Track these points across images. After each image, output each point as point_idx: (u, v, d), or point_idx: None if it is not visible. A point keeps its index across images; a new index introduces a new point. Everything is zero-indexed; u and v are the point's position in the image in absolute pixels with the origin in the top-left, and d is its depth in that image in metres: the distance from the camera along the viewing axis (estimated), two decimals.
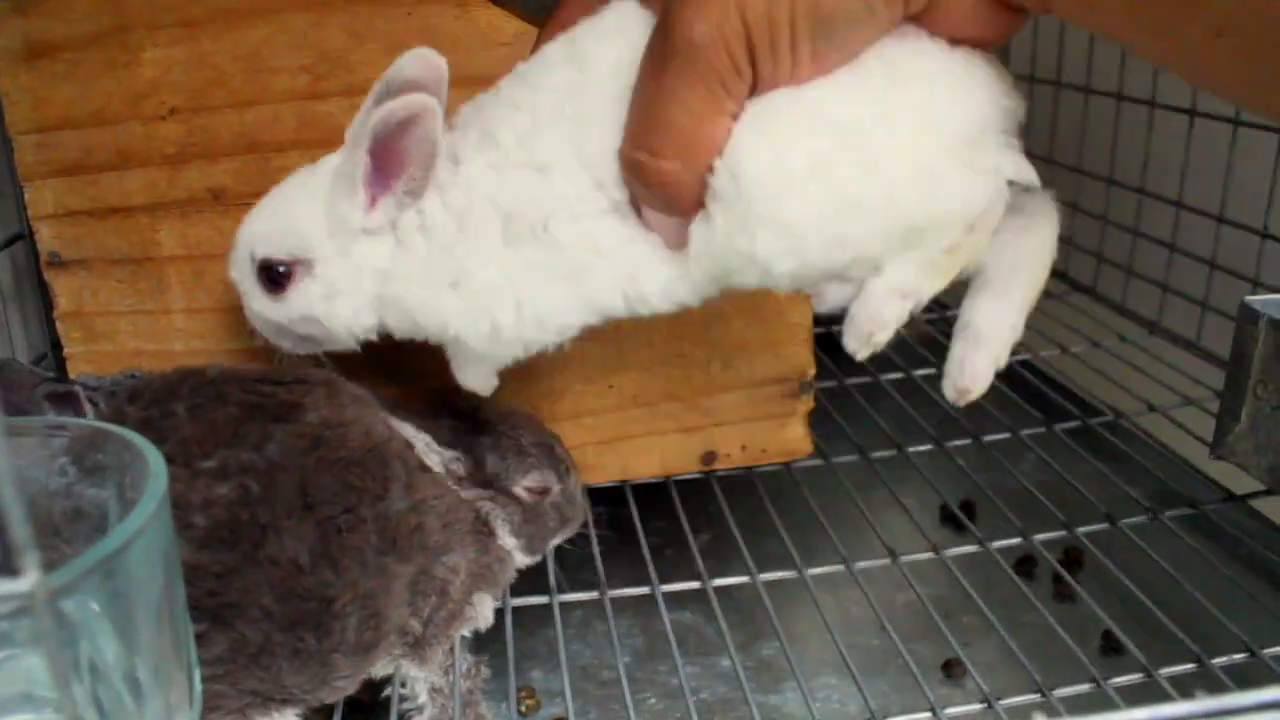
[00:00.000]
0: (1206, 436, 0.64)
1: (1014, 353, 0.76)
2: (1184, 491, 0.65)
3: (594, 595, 0.56)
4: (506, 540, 0.53)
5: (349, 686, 0.47)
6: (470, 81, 0.56)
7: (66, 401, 0.52)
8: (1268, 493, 0.60)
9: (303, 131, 0.57)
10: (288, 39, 0.56)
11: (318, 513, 0.45)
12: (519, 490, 0.53)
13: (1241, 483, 0.63)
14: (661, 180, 0.42)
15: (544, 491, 0.54)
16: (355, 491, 0.46)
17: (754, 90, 0.41)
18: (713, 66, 0.39)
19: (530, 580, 0.57)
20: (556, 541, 0.56)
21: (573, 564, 0.59)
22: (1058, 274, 0.98)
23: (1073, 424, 0.72)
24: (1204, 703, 0.31)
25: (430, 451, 0.51)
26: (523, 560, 0.55)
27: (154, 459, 0.38)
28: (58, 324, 0.60)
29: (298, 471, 0.45)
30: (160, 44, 0.55)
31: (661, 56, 0.40)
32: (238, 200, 0.57)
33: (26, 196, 0.57)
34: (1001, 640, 0.53)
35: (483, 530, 0.52)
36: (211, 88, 0.56)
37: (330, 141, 0.56)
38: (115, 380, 0.56)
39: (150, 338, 0.60)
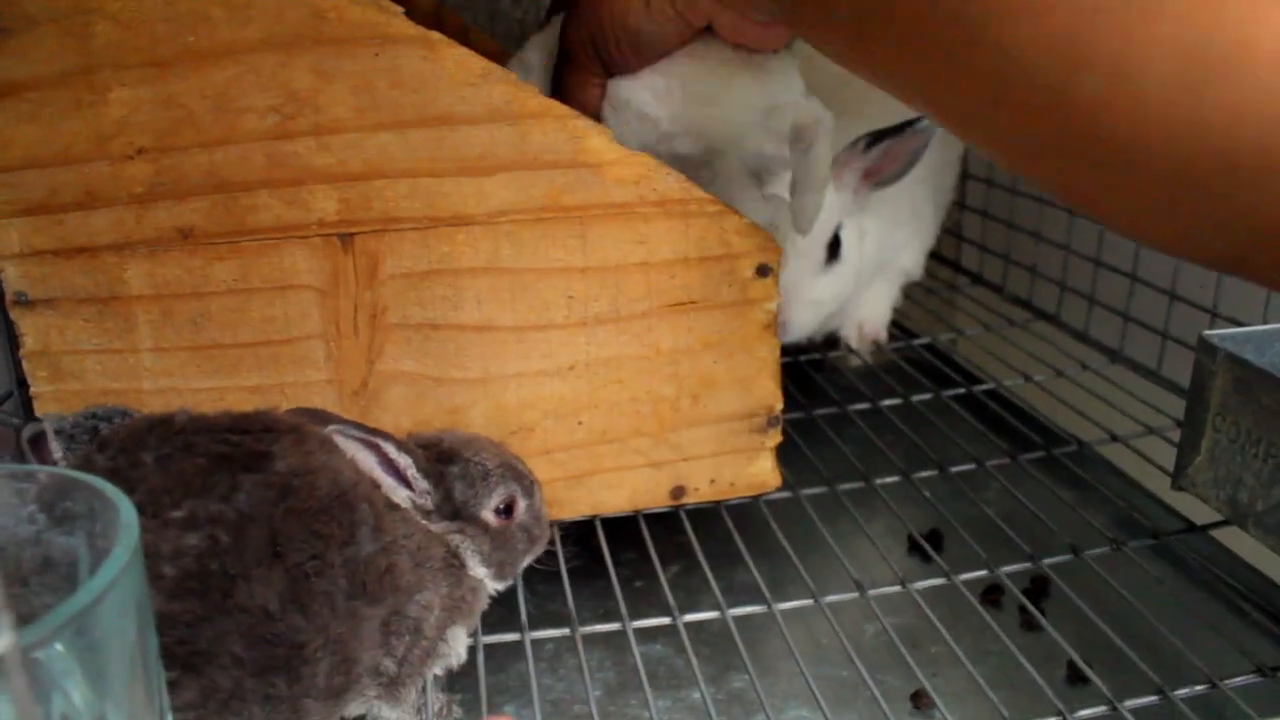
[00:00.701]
0: (1168, 465, 0.64)
1: (980, 380, 0.78)
2: (1146, 522, 0.66)
3: (565, 632, 0.56)
4: (477, 570, 0.53)
5: None
6: (438, 121, 0.57)
7: (41, 444, 0.52)
8: (1227, 523, 0.61)
9: (272, 171, 0.57)
10: (256, 79, 0.56)
11: (286, 560, 0.45)
12: (487, 515, 0.53)
13: (1202, 512, 0.64)
14: None
15: (510, 508, 0.54)
16: (322, 539, 0.46)
17: (609, 74, 0.64)
18: (584, 64, 0.63)
19: (501, 617, 0.57)
20: (526, 563, 0.56)
21: (542, 595, 0.59)
22: (1022, 302, 0.99)
23: (1037, 454, 0.73)
24: None
25: (400, 487, 0.51)
26: (494, 587, 0.55)
27: (125, 508, 0.37)
28: (24, 363, 0.59)
29: (266, 521, 0.45)
30: (128, 84, 0.55)
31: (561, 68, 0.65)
32: (206, 239, 0.57)
33: None
34: (968, 671, 0.53)
35: (454, 563, 0.52)
36: (180, 127, 0.56)
37: (299, 180, 0.57)
38: (75, 419, 0.55)
39: (118, 376, 0.59)
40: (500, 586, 0.55)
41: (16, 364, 0.61)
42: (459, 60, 0.57)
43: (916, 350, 0.95)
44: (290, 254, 0.58)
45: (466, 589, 0.53)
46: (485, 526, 0.53)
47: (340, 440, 0.51)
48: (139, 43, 0.55)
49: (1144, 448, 0.72)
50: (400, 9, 0.55)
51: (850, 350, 0.94)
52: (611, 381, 0.62)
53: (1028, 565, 0.61)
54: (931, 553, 0.65)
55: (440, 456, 0.53)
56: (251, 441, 0.48)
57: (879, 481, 0.70)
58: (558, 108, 0.58)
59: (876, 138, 0.79)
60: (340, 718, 0.49)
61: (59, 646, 0.37)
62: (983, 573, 0.60)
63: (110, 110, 0.56)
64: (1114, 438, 0.73)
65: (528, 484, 0.55)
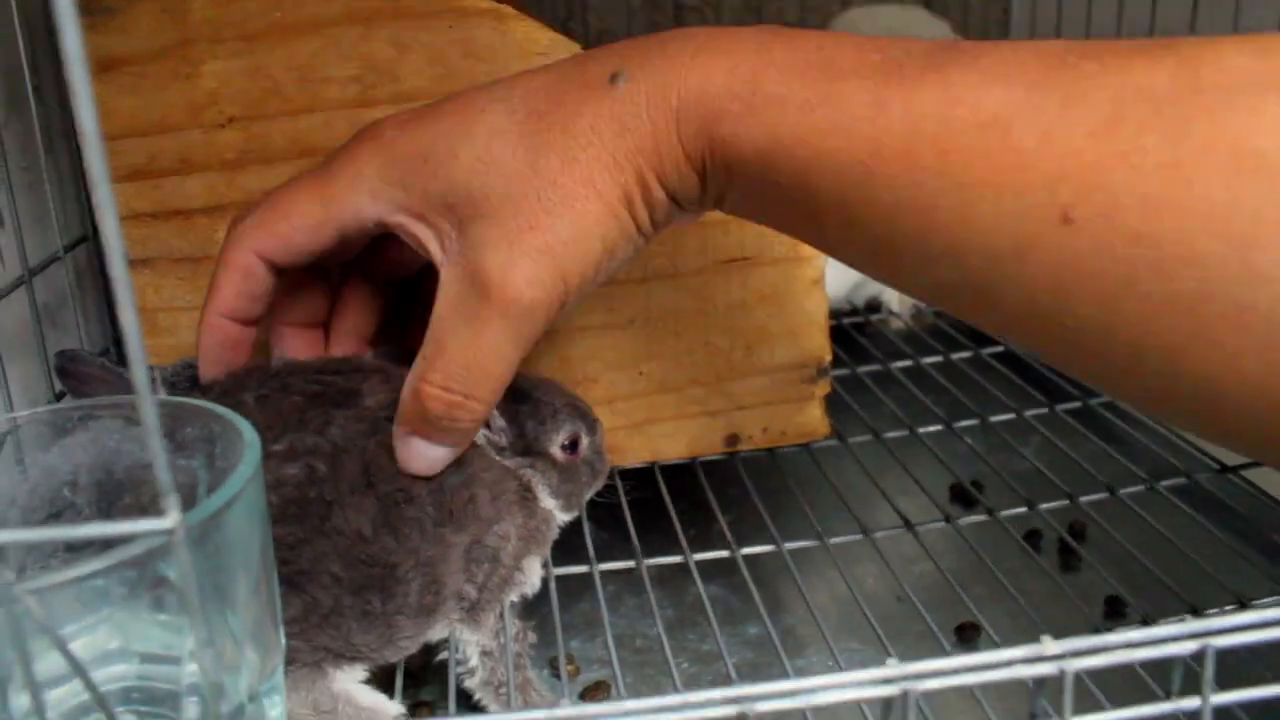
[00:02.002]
0: None
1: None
2: (1180, 464, 0.69)
3: (630, 564, 0.60)
4: (547, 502, 0.57)
5: (411, 646, 0.51)
6: None
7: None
8: (1256, 464, 0.64)
9: None
10: (338, 51, 0.60)
11: (378, 489, 0.49)
12: (554, 450, 0.57)
13: (1231, 456, 0.67)
14: (472, 417, 0.48)
15: (575, 444, 0.57)
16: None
17: None
18: (537, 326, 0.46)
19: (570, 553, 0.61)
20: (589, 495, 0.60)
21: (607, 538, 0.63)
22: None
23: (1074, 404, 0.76)
24: (1194, 624, 0.35)
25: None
26: (563, 519, 0.58)
27: (247, 430, 0.41)
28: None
29: (359, 453, 0.49)
30: (220, 57, 0.60)
31: (480, 313, 0.45)
32: None
33: (93, 199, 0.61)
34: (1012, 605, 0.56)
35: (527, 496, 0.56)
36: (267, 97, 0.60)
37: None
38: (175, 369, 0.60)
39: None
40: (568, 518, 0.58)
41: (113, 321, 0.66)
42: (526, 32, 0.60)
43: None
44: None
45: (539, 520, 0.57)
46: (553, 461, 0.57)
47: None
48: (231, 18, 0.59)
49: None
50: None
51: (892, 313, 0.98)
52: (670, 334, 0.66)
53: (1066, 504, 0.64)
54: (975, 494, 0.68)
55: (512, 397, 0.57)
56: (341, 381, 0.52)
57: (922, 430, 0.73)
58: None
59: None
60: (427, 641, 0.53)
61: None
62: (1023, 509, 0.64)
63: (204, 82, 0.60)
64: None
65: (590, 421, 0.59)
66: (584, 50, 0.48)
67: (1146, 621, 0.54)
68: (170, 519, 0.29)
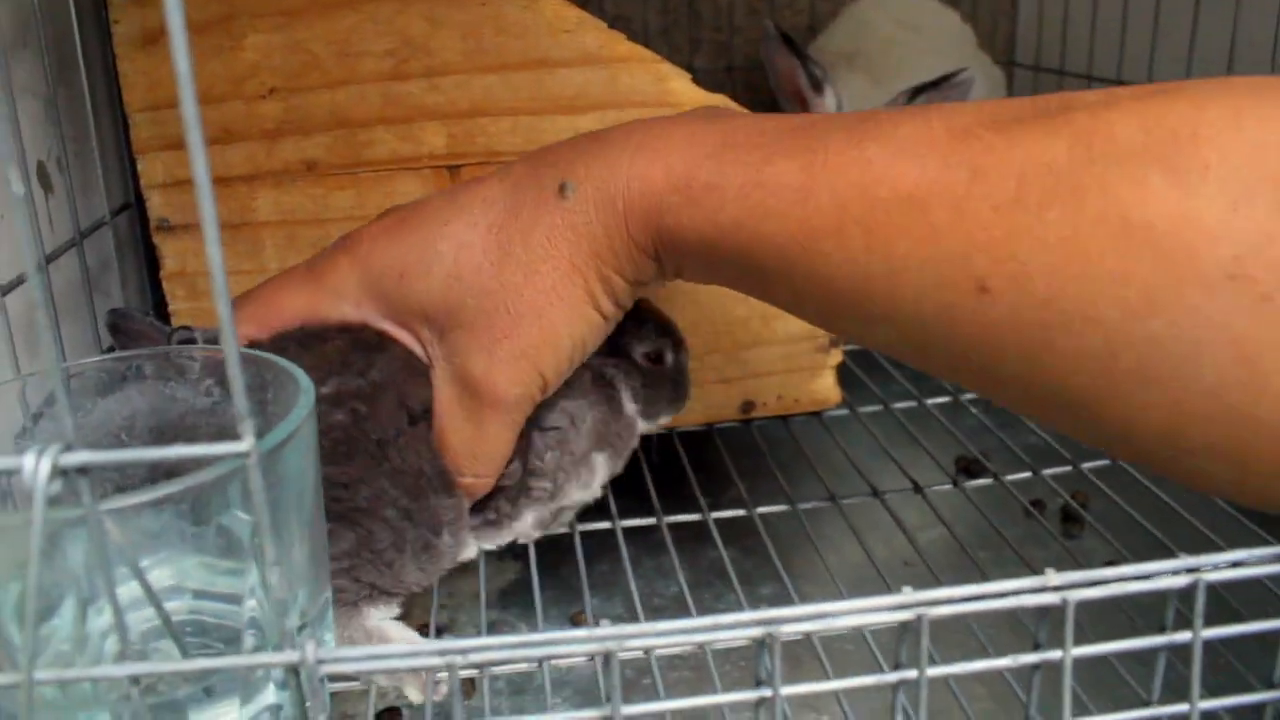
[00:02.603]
0: None
1: None
2: None
3: (651, 521, 0.63)
4: (629, 406, 0.59)
5: (448, 565, 0.54)
6: (537, 64, 0.64)
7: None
8: None
9: (387, 109, 0.63)
10: (374, 26, 0.62)
11: (412, 410, 0.52)
12: (638, 357, 0.59)
13: None
14: (486, 488, 0.54)
15: (660, 357, 0.59)
16: None
17: None
18: (526, 411, 0.52)
19: (593, 512, 0.63)
20: (668, 416, 0.62)
21: (628, 505, 0.65)
22: None
23: None
24: (1187, 560, 0.37)
25: None
26: (643, 426, 0.60)
27: (301, 375, 0.44)
28: (164, 283, 0.66)
29: (395, 387, 0.52)
30: (261, 31, 0.62)
31: (476, 411, 0.51)
32: (327, 171, 0.64)
33: (139, 168, 0.64)
34: (1016, 569, 0.59)
35: (609, 393, 0.58)
36: (306, 70, 0.63)
37: (412, 117, 0.64)
38: (216, 332, 0.62)
39: None
40: (647, 427, 0.60)
41: (154, 286, 0.68)
42: (556, 10, 0.63)
43: None
44: (403, 184, 0.65)
45: (622, 425, 0.58)
46: (638, 365, 0.59)
47: None
48: None
49: None
50: None
51: None
52: (690, 303, 0.68)
53: (1069, 470, 0.67)
54: (984, 461, 0.71)
55: None
56: (373, 333, 0.55)
57: (930, 402, 0.76)
58: (644, 53, 0.64)
59: (917, 91, 0.84)
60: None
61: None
62: (1028, 474, 0.66)
63: (245, 55, 0.62)
64: None
65: (677, 339, 0.61)
66: (531, 153, 0.52)
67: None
68: (246, 443, 0.31)
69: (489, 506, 0.55)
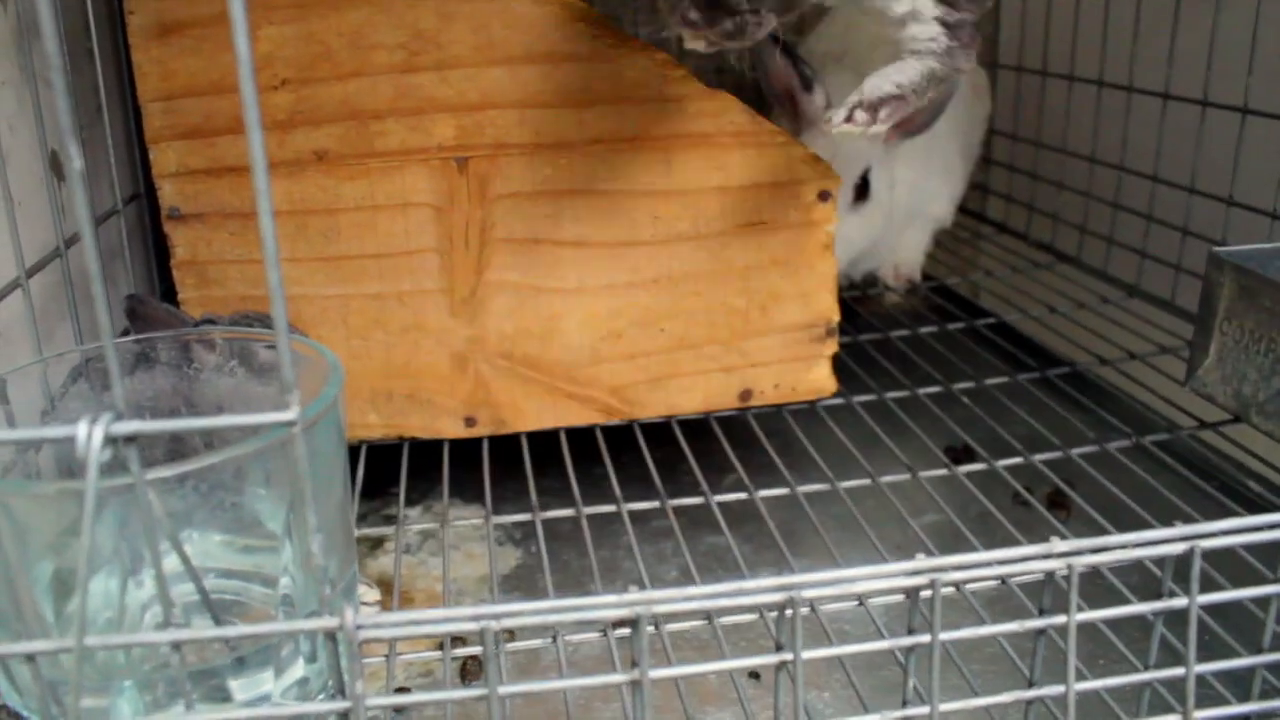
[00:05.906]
0: (1180, 378, 0.72)
1: (1009, 313, 0.84)
2: (1163, 421, 0.74)
3: (655, 504, 0.64)
4: None
5: None
6: (544, 58, 0.65)
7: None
8: (1235, 420, 0.69)
9: (398, 101, 0.65)
10: (386, 19, 0.64)
11: None
12: None
13: (1212, 414, 0.72)
14: None
15: None
16: None
17: None
18: None
19: (598, 497, 0.65)
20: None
21: (631, 491, 0.67)
22: (1045, 246, 1.07)
23: (1065, 369, 0.81)
24: (1184, 528, 0.39)
25: None
26: None
27: (330, 355, 0.45)
28: (174, 272, 0.67)
29: None
30: (275, 22, 0.63)
31: None
32: (338, 161, 0.65)
33: (152, 157, 0.65)
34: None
35: None
36: (318, 62, 0.64)
37: (422, 109, 0.65)
38: (233, 319, 0.63)
39: (256, 284, 0.67)
40: None
41: (164, 275, 0.69)
42: (564, 5, 0.64)
43: (949, 289, 1.03)
44: (412, 175, 0.66)
45: None
46: None
47: None
48: None
49: (1159, 364, 0.80)
50: None
51: (888, 288, 1.02)
52: (690, 294, 0.70)
53: (1058, 455, 0.69)
54: (975, 446, 0.73)
55: None
56: None
57: (922, 392, 0.78)
58: (649, 50, 0.66)
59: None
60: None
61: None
62: (1018, 460, 0.68)
63: (259, 46, 0.64)
64: (1131, 355, 0.81)
65: None
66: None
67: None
68: (293, 411, 0.33)
69: None
